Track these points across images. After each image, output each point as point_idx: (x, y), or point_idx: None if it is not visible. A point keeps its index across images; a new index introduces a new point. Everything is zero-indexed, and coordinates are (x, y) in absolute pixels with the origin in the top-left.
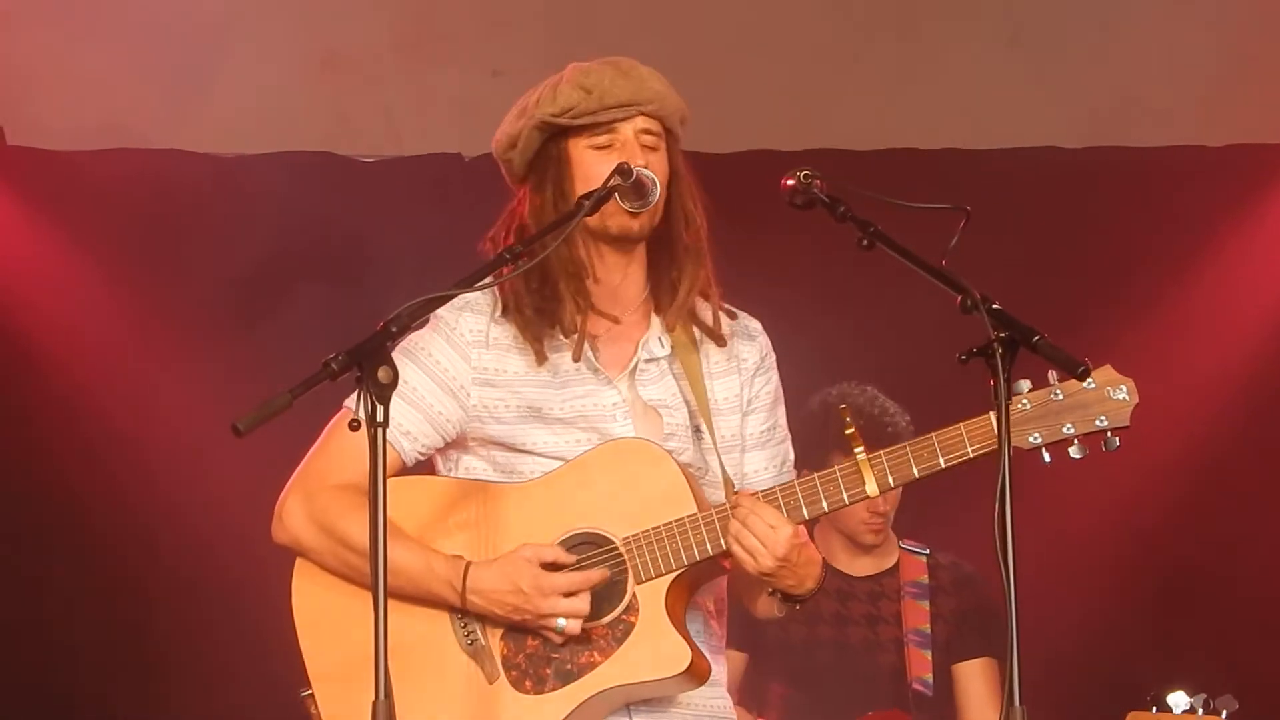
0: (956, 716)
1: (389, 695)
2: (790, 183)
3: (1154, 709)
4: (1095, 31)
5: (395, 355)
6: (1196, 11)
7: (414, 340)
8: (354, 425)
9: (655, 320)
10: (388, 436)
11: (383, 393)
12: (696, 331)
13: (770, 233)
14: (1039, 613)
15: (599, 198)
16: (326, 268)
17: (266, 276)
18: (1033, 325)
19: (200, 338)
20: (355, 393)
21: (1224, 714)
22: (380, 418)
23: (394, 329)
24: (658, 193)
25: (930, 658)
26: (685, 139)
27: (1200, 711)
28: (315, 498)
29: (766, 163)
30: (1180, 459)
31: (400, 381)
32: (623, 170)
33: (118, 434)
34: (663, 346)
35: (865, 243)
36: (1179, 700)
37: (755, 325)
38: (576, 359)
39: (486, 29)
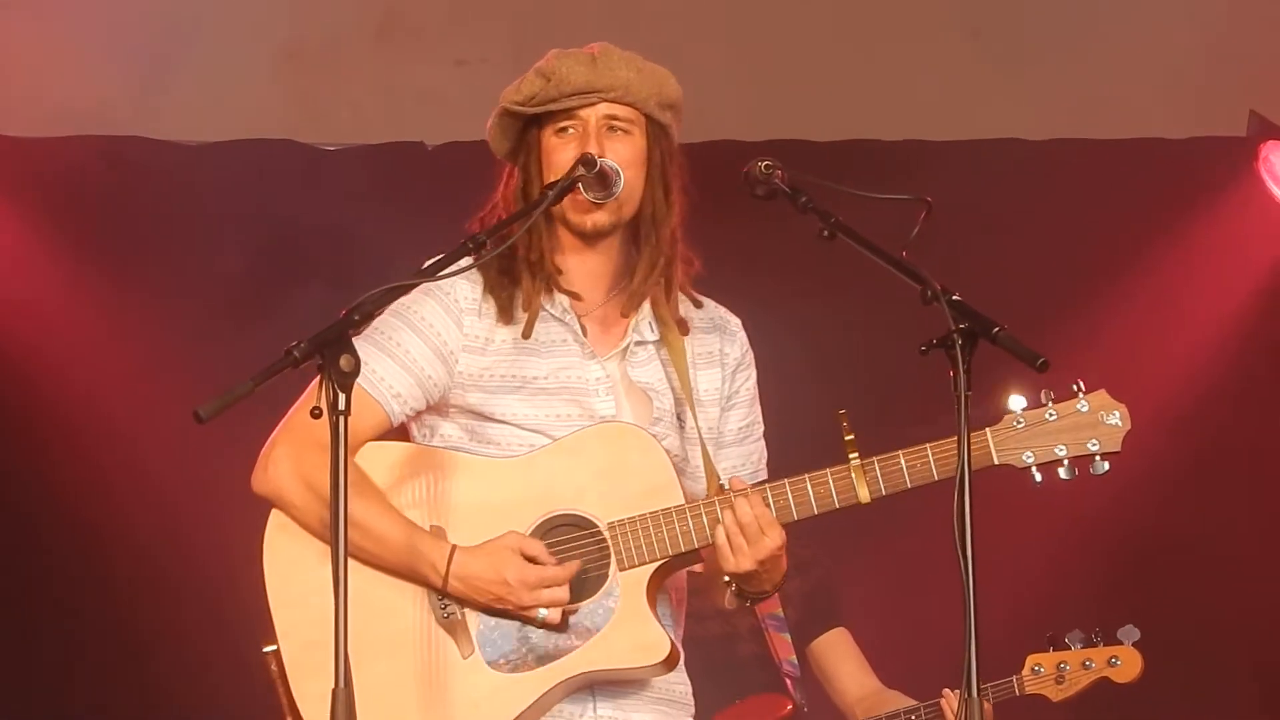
0: (828, 693)
1: (348, 683)
2: (751, 173)
3: (1051, 648)
4: (1057, 24)
5: (388, 317)
6: (1158, 5)
7: (407, 303)
8: (315, 413)
9: (645, 305)
10: (378, 397)
11: (344, 381)
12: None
13: (731, 224)
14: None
15: (562, 188)
16: (289, 256)
17: (228, 264)
18: (993, 317)
19: (161, 324)
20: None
21: (1130, 641)
22: (342, 406)
23: (356, 317)
24: (620, 184)
25: (790, 640)
26: None
27: (1101, 644)
28: (305, 455)
29: (728, 153)
30: (1136, 446)
31: (393, 344)
32: (586, 160)
33: (79, 419)
34: (652, 331)
35: (827, 234)
36: (1076, 638)
37: (735, 321)
38: (526, 336)
39: (450, 19)
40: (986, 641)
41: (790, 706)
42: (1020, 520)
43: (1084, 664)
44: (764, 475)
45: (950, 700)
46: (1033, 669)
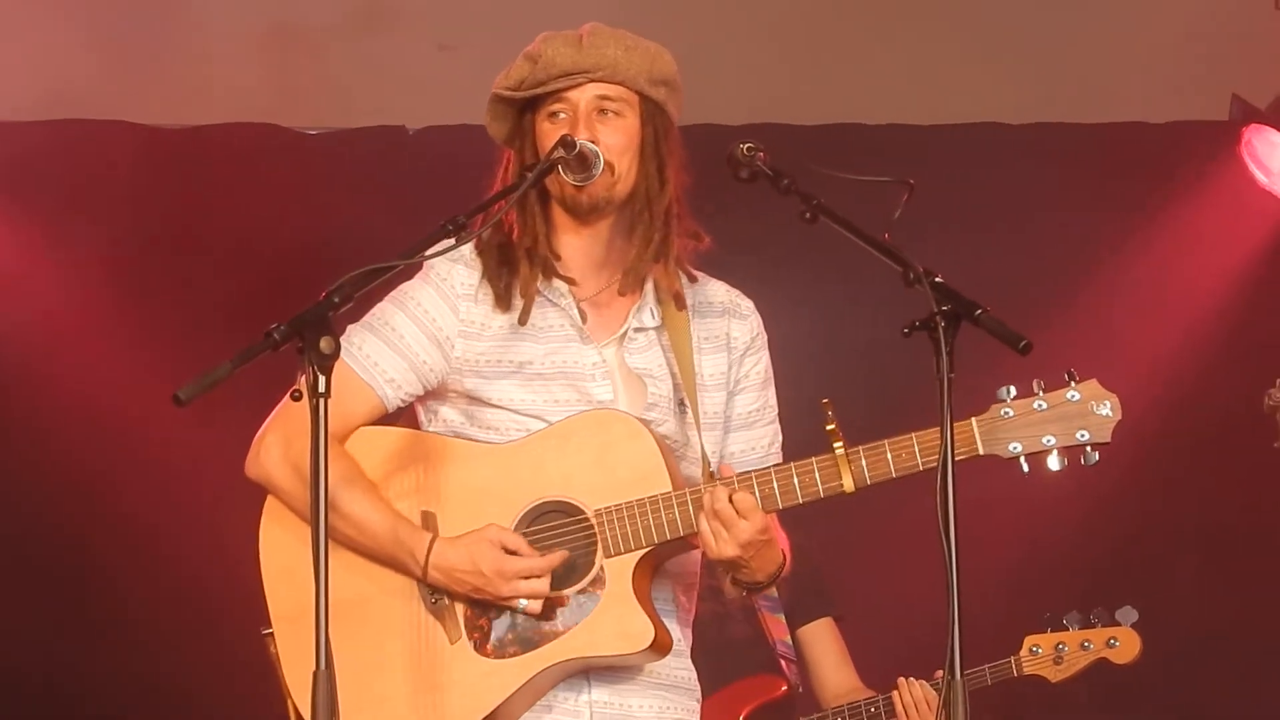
0: (808, 683)
1: (329, 665)
2: (734, 155)
3: (1049, 629)
4: (1039, 9)
5: (385, 303)
6: None
7: (405, 289)
8: (296, 396)
9: (649, 290)
10: (371, 382)
11: (324, 363)
12: (689, 305)
13: (713, 208)
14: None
15: (540, 170)
16: (270, 239)
17: (211, 247)
18: (975, 300)
19: (141, 308)
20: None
21: (1128, 623)
22: (322, 389)
23: (336, 299)
24: (600, 166)
25: (784, 621)
26: None
27: (1099, 625)
28: (294, 441)
29: (711, 137)
30: (1117, 432)
31: (388, 329)
32: (565, 143)
33: (60, 405)
34: (653, 318)
35: (808, 216)
36: (1074, 619)
37: (748, 304)
38: (523, 323)
39: (433, 3)
40: (985, 623)
41: (785, 688)
42: (1018, 503)
43: (1082, 645)
44: (777, 459)
45: (903, 689)
46: (1030, 650)
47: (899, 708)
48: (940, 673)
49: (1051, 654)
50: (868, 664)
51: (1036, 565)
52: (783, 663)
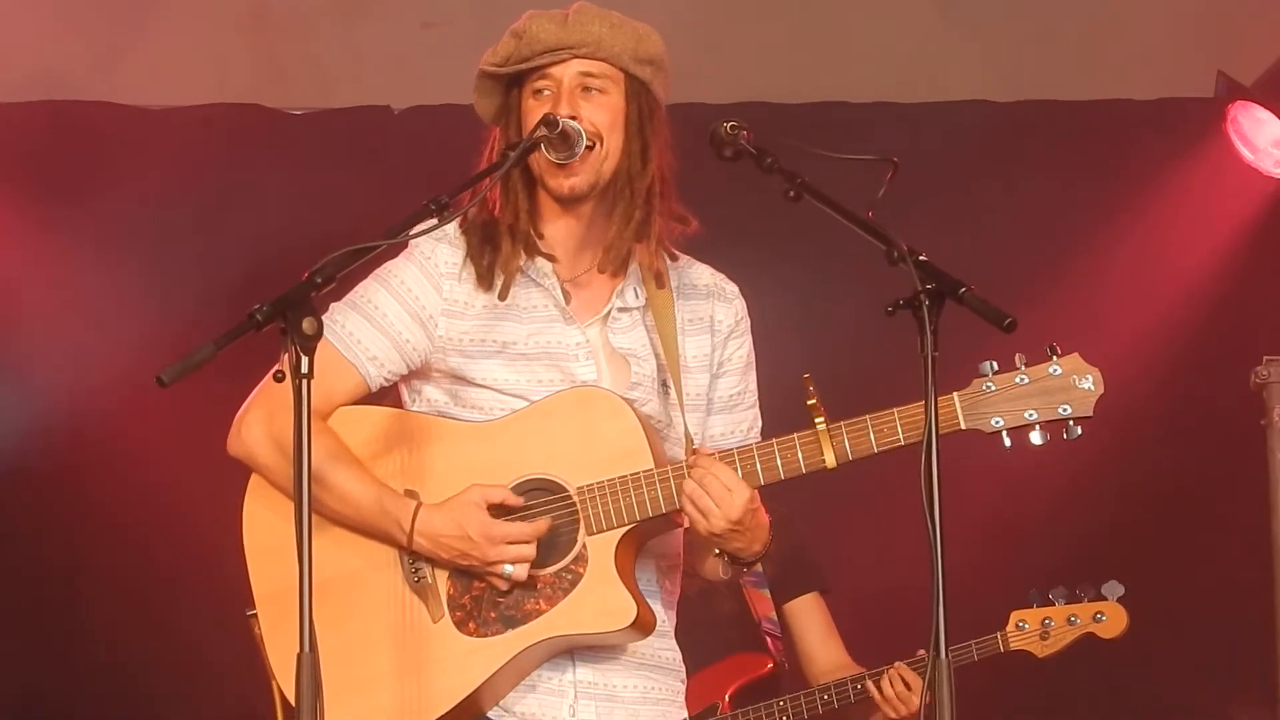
0: (796, 658)
1: (314, 648)
2: (717, 134)
3: (1035, 604)
4: None
5: (369, 281)
6: None
7: (388, 267)
8: (279, 376)
9: (633, 270)
10: (354, 360)
11: (307, 344)
12: (673, 286)
13: (697, 187)
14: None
15: (523, 149)
16: (255, 219)
17: (195, 229)
18: (960, 278)
19: (128, 289)
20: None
21: (1114, 597)
22: (305, 369)
23: (319, 279)
24: (583, 144)
25: (770, 596)
26: None
27: (1085, 600)
28: (276, 417)
29: (694, 115)
30: (1102, 407)
31: (371, 307)
32: (547, 121)
33: (49, 388)
34: (637, 297)
35: (792, 194)
36: (1060, 594)
37: (733, 288)
38: (503, 298)
39: None
40: (971, 598)
41: (770, 665)
42: (1003, 478)
43: (1069, 620)
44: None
45: (883, 682)
46: (1017, 625)
47: (878, 699)
48: (923, 651)
49: (1038, 629)
50: (853, 639)
51: (1022, 541)
52: (768, 639)
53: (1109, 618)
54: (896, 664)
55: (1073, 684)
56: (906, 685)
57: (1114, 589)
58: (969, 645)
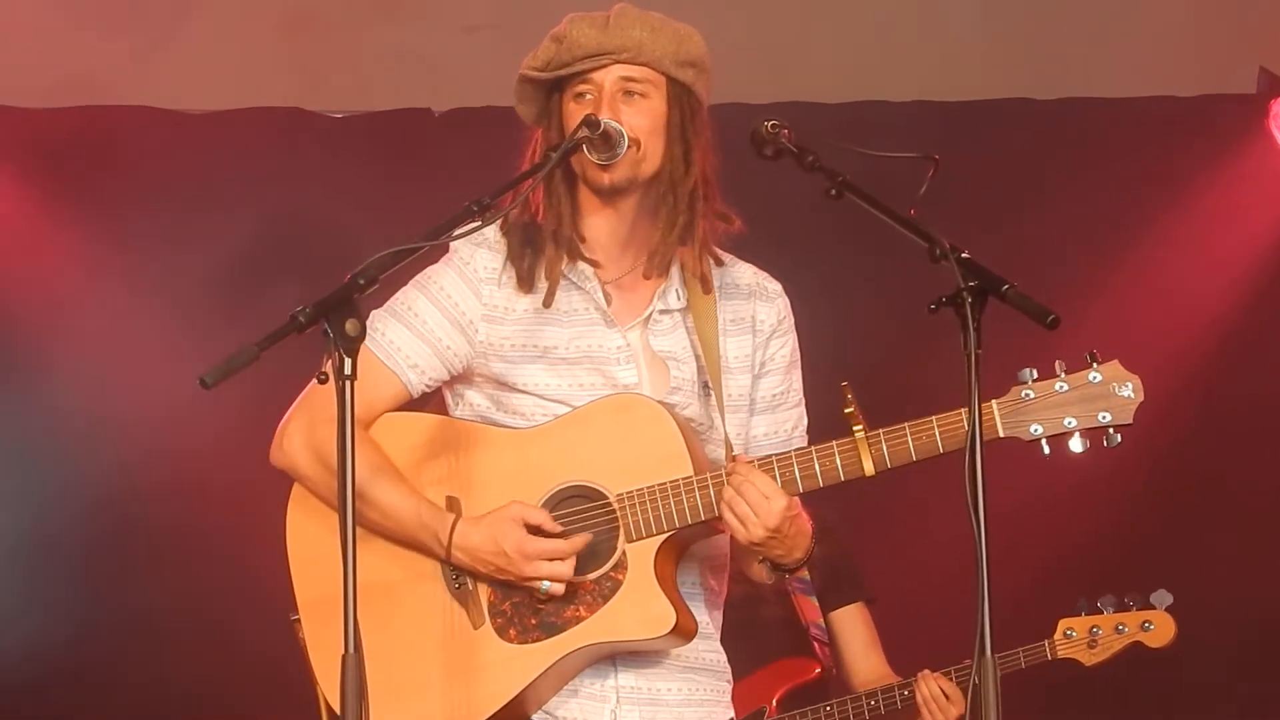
0: (837, 668)
1: (359, 649)
2: (758, 133)
3: (1083, 612)
4: None
5: (408, 288)
6: None
7: (427, 274)
8: (321, 378)
9: (674, 272)
10: (395, 368)
11: (350, 346)
12: (716, 288)
13: (740, 186)
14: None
15: (565, 150)
16: (296, 223)
17: (236, 233)
18: (1002, 275)
19: (167, 295)
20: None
21: (1163, 606)
22: (348, 371)
23: (361, 281)
24: (625, 145)
25: (817, 603)
26: None
27: (1134, 608)
28: (317, 428)
29: (736, 115)
30: (1145, 410)
31: (411, 314)
32: (589, 122)
33: (83, 390)
34: (678, 299)
35: (834, 192)
36: (1109, 602)
37: (775, 287)
38: (547, 305)
39: None
40: (1018, 607)
41: (819, 670)
42: (1051, 488)
43: (1117, 628)
44: (801, 442)
45: (920, 684)
46: (1065, 633)
47: (918, 701)
48: (968, 661)
49: (1086, 637)
50: (897, 649)
51: (1070, 550)
52: (816, 645)
53: (1157, 626)
54: (939, 671)
55: (1115, 690)
56: (945, 695)
57: (1162, 598)
58: (1016, 652)
